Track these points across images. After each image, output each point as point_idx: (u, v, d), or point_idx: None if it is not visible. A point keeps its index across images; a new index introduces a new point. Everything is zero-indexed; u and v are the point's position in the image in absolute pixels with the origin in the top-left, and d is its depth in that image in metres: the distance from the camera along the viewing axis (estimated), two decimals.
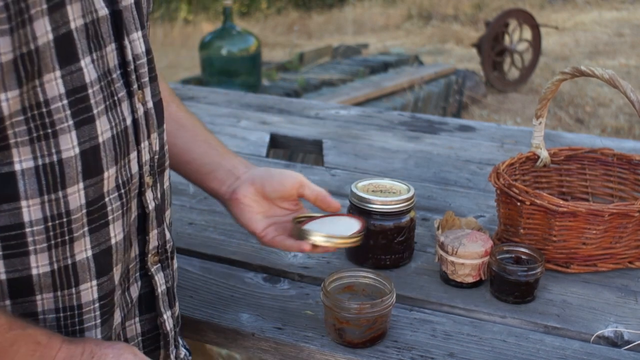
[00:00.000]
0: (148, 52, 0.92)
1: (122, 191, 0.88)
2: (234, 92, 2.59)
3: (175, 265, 1.05)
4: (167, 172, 1.01)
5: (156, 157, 0.95)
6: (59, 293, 0.84)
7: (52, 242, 0.82)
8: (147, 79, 0.91)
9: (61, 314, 0.86)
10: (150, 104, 0.92)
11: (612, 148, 1.43)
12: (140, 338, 0.98)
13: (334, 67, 6.27)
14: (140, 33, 0.89)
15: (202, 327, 1.14)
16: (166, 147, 1.00)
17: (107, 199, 0.86)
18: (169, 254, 1.00)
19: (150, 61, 0.92)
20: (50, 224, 0.81)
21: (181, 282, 1.23)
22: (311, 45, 8.57)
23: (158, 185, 0.97)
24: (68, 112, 0.79)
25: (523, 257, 1.19)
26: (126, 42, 0.87)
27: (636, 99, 1.18)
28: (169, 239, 1.00)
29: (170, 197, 1.04)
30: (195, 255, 1.33)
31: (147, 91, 0.92)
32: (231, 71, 5.00)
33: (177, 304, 1.03)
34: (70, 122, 0.79)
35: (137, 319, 0.97)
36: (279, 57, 7.73)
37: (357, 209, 1.23)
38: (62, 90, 0.78)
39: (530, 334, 1.09)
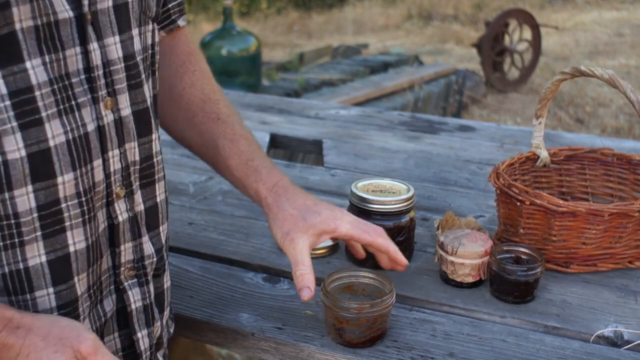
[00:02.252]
0: (128, 57, 0.88)
1: (83, 199, 0.84)
2: (234, 92, 2.60)
3: (167, 284, 1.01)
4: (160, 185, 0.97)
5: (135, 167, 0.92)
6: (12, 298, 0.82)
7: (1, 243, 0.80)
8: (123, 85, 0.87)
9: None
10: (125, 112, 0.88)
11: (612, 148, 1.43)
12: (120, 353, 0.94)
13: (334, 67, 6.28)
14: (118, 37, 0.86)
15: (202, 327, 1.14)
16: (158, 158, 0.96)
17: (63, 205, 0.83)
18: (148, 270, 0.95)
19: (129, 67, 0.88)
20: None
21: (181, 282, 1.23)
22: (311, 45, 8.57)
23: (136, 197, 0.93)
24: (11, 113, 0.77)
25: (523, 257, 1.19)
26: (93, 46, 0.83)
27: (636, 99, 1.18)
28: (151, 254, 0.96)
29: (166, 212, 1.00)
30: (195, 255, 1.33)
31: (123, 98, 0.88)
32: (231, 71, 5.00)
33: (158, 323, 0.98)
34: (14, 124, 0.77)
35: (116, 334, 0.94)
36: (279, 57, 7.74)
37: (357, 209, 1.23)
38: (4, 90, 0.76)
39: (530, 334, 1.09)
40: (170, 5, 1.05)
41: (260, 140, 1.96)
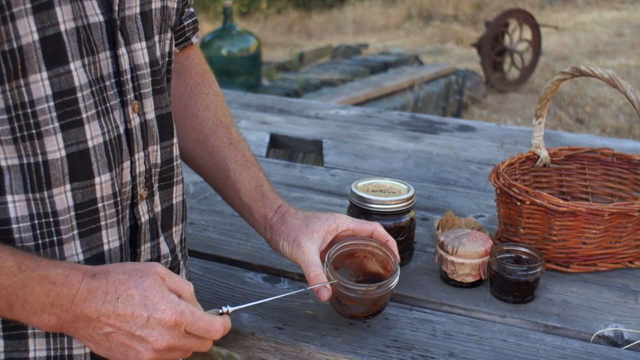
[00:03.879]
0: (154, 62, 0.90)
1: (118, 199, 0.87)
2: (234, 92, 2.60)
3: None
4: (177, 188, 0.99)
5: (156, 169, 0.94)
6: None
7: (40, 241, 0.82)
8: (148, 89, 0.90)
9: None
10: (150, 116, 0.91)
11: (612, 148, 1.43)
12: None
13: (334, 67, 6.28)
14: (144, 43, 0.88)
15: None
16: (177, 162, 0.98)
17: (100, 205, 0.85)
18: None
19: (155, 72, 0.90)
20: (36, 222, 0.81)
21: None
22: (311, 45, 8.58)
23: (156, 199, 0.95)
24: (54, 114, 0.78)
25: (523, 256, 1.19)
26: (122, 51, 0.85)
27: (636, 99, 1.18)
28: (166, 254, 0.98)
29: (183, 214, 1.03)
30: (195, 255, 1.33)
31: (148, 102, 0.90)
32: (231, 71, 5.00)
33: None
34: (56, 124, 0.79)
35: None
36: (279, 57, 7.74)
37: (357, 209, 1.23)
38: (49, 91, 0.78)
39: (530, 334, 1.09)
40: (185, 23, 1.08)
41: (260, 140, 1.97)
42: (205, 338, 0.85)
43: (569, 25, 10.21)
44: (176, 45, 1.09)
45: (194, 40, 1.11)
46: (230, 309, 0.93)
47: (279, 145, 2.06)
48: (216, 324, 0.85)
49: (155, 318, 0.80)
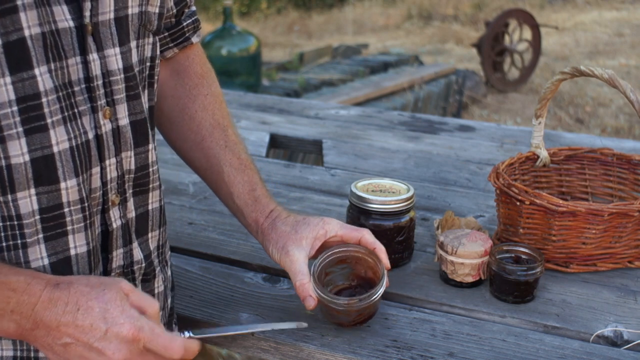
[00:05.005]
0: (128, 69, 0.89)
1: (86, 204, 0.86)
2: (233, 92, 2.60)
3: (158, 289, 1.02)
4: (154, 194, 0.99)
5: (130, 175, 0.93)
6: None
7: (4, 244, 0.82)
8: (122, 95, 0.89)
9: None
10: (123, 122, 0.90)
11: (612, 148, 1.43)
12: None
13: (334, 67, 6.28)
14: (118, 49, 0.87)
15: (202, 327, 1.14)
16: (154, 168, 0.97)
17: (66, 210, 0.84)
18: (136, 275, 0.97)
19: (129, 78, 0.89)
20: (0, 224, 0.81)
21: (181, 282, 1.23)
22: (311, 45, 8.58)
23: (129, 205, 0.94)
24: (17, 118, 0.78)
25: (523, 256, 1.19)
26: (93, 57, 0.84)
27: (636, 99, 1.18)
28: (140, 259, 0.97)
29: (161, 220, 1.02)
30: (195, 255, 1.33)
31: (122, 108, 0.89)
32: (231, 71, 5.00)
33: None
34: (20, 129, 0.78)
35: None
36: (279, 57, 7.74)
37: (357, 209, 1.23)
38: (12, 96, 0.77)
39: (530, 334, 1.09)
40: (185, 24, 1.07)
41: (260, 140, 1.97)
42: (164, 357, 0.84)
43: (569, 25, 10.21)
44: (175, 45, 1.08)
45: (194, 40, 1.11)
46: (194, 335, 0.93)
47: (279, 145, 2.06)
48: (176, 342, 0.84)
49: (113, 331, 0.80)
